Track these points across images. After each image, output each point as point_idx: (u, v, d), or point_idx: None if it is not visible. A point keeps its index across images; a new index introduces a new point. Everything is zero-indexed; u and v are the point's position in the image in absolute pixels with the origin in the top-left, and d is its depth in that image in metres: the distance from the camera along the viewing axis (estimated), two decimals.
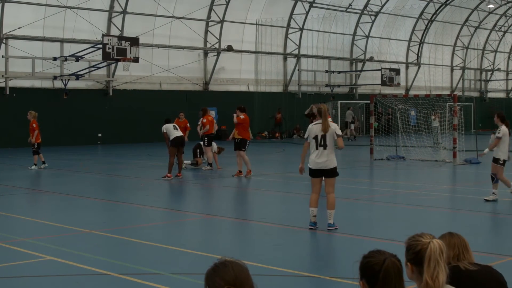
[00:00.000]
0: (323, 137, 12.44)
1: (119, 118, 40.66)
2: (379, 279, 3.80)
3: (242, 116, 22.75)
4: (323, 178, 12.73)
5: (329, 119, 12.74)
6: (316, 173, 12.61)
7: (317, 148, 12.50)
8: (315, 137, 12.52)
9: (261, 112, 47.81)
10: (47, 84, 38.90)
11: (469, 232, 12.67)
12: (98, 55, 36.24)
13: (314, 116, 13.51)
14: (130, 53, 35.61)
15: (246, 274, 3.49)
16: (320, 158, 12.46)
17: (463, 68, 67.12)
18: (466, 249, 5.11)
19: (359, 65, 57.03)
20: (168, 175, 21.84)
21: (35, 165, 25.13)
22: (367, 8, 54.76)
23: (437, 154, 29.24)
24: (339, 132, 12.63)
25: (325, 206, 12.80)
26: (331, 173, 12.56)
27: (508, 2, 62.07)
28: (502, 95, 72.30)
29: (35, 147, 25.23)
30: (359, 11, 54.63)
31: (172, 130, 22.34)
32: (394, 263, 3.84)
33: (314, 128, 12.61)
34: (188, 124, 26.48)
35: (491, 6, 62.42)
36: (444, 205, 16.90)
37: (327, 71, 53.45)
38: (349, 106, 50.56)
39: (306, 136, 12.85)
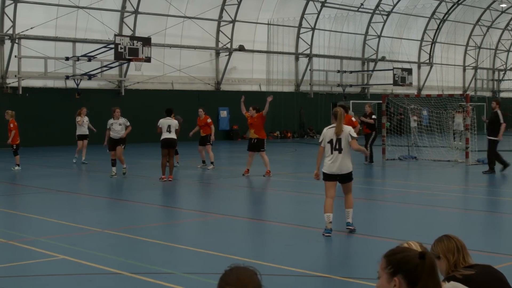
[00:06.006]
0: (338, 140, 12.15)
1: (131, 118, 40.35)
2: (423, 271, 3.70)
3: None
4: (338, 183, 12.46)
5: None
6: (330, 177, 12.31)
7: (331, 152, 12.16)
8: (330, 141, 12.23)
9: (272, 112, 47.78)
10: (59, 84, 39.03)
11: (480, 232, 12.66)
12: (110, 55, 36.35)
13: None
14: (142, 53, 35.67)
15: (249, 277, 3.51)
16: (335, 163, 12.17)
17: (476, 68, 66.89)
18: (465, 252, 5.07)
19: (371, 65, 56.93)
20: (162, 176, 21.47)
21: (18, 165, 24.99)
22: (379, 7, 54.64)
23: (449, 154, 29.14)
24: (354, 135, 12.30)
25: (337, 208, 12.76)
26: (346, 178, 12.31)
27: None
28: None
29: (14, 148, 25.00)
30: (371, 11, 54.52)
31: (164, 132, 21.93)
32: (432, 256, 3.76)
33: (329, 132, 12.29)
34: (208, 120, 25.69)
35: (503, 5, 62.18)
36: (456, 205, 16.84)
37: (339, 71, 53.38)
38: None
39: (320, 140, 12.48)
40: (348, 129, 12.28)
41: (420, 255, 3.72)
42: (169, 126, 21.95)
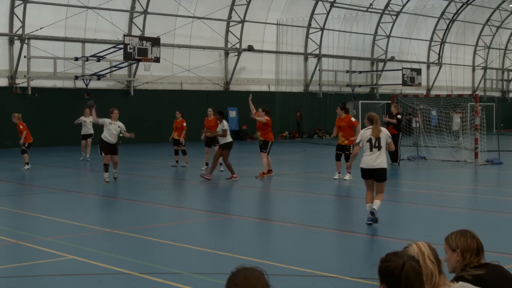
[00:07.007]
0: (378, 139, 13.43)
1: (140, 118, 40.75)
2: (401, 284, 3.81)
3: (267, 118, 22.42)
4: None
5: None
6: (366, 174, 13.49)
7: (371, 150, 13.42)
8: (369, 140, 13.46)
9: (282, 112, 47.80)
10: (68, 84, 39.12)
11: (490, 232, 12.61)
12: (119, 55, 36.42)
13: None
14: (151, 53, 35.73)
15: (257, 278, 3.53)
16: (373, 157, 13.38)
17: (485, 68, 66.71)
18: (483, 254, 5.07)
19: (380, 65, 56.87)
20: (234, 176, 21.44)
21: (27, 163, 25.02)
22: (388, 7, 54.57)
23: (458, 155, 29.07)
24: (390, 136, 13.81)
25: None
26: (382, 175, 13.44)
27: None
28: None
29: (26, 146, 25.11)
30: (380, 11, 54.46)
31: (229, 134, 21.98)
32: (413, 267, 3.85)
33: (366, 133, 13.57)
34: (184, 124, 25.63)
35: None
36: (465, 205, 16.80)
37: (348, 71, 53.32)
38: None
39: (358, 140, 13.84)
40: (385, 131, 13.71)
41: (401, 267, 3.82)
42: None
